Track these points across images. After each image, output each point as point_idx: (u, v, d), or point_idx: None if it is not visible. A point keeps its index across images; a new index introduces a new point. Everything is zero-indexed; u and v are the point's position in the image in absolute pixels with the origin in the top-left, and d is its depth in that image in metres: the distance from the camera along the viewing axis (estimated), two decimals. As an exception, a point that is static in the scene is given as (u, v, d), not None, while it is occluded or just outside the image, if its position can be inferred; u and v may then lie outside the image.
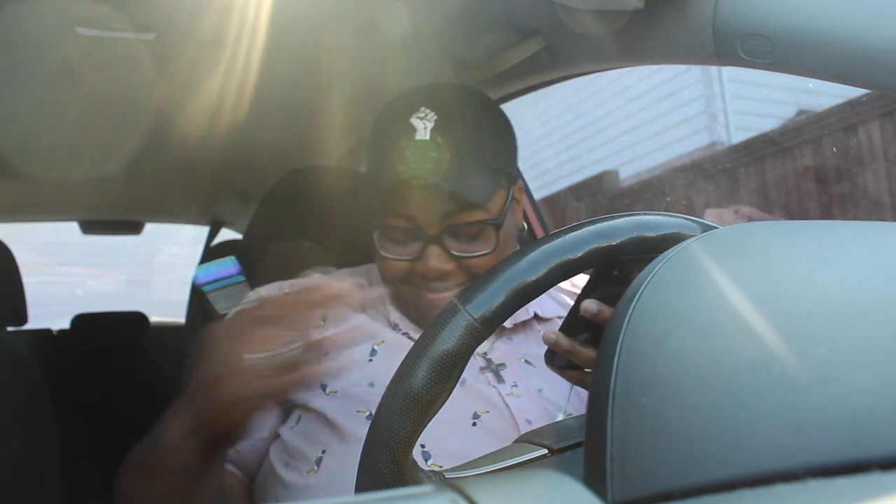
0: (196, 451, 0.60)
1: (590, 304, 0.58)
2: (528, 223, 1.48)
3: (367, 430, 0.71)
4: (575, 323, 0.62)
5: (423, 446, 0.70)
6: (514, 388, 0.78)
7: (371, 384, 0.76)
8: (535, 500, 0.28)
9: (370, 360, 0.79)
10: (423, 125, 0.77)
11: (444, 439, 0.70)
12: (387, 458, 0.44)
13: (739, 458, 0.25)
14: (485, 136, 0.81)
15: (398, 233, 0.78)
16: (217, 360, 0.58)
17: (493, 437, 0.72)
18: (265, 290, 0.88)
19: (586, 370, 0.64)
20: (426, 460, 0.70)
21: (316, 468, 0.72)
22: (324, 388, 0.76)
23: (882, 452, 0.23)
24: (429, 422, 0.45)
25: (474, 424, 0.73)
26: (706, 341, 0.29)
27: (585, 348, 0.61)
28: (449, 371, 0.44)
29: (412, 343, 0.78)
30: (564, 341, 0.61)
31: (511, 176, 0.82)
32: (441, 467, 0.69)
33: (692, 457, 0.26)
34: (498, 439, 0.72)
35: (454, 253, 0.77)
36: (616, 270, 0.59)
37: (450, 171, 0.76)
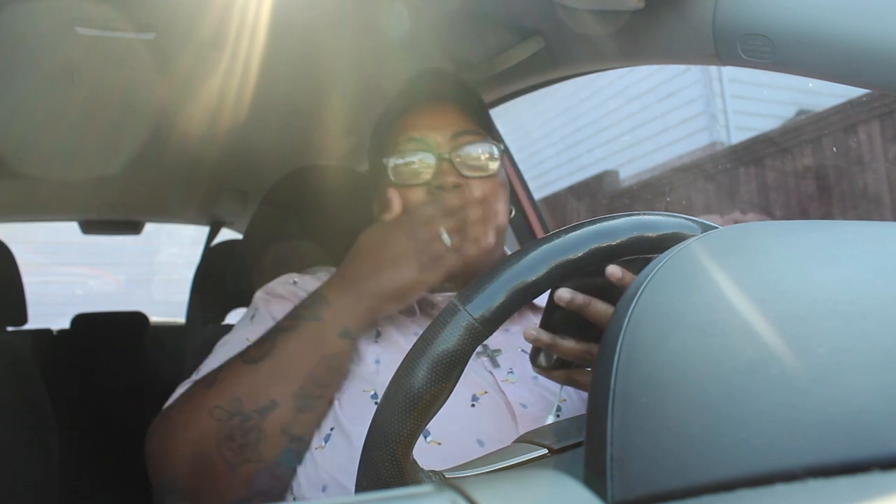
0: (360, 317, 0.74)
1: (563, 293, 0.59)
2: (527, 219, 1.48)
3: (371, 408, 0.72)
4: (553, 316, 0.62)
5: None
6: (510, 375, 0.79)
7: (377, 361, 0.78)
8: (535, 500, 0.28)
9: (376, 342, 0.81)
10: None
11: (443, 419, 0.71)
12: (387, 458, 0.44)
13: (739, 458, 0.25)
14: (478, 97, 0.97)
15: (410, 159, 0.86)
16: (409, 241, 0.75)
17: (490, 418, 0.73)
18: (276, 282, 0.91)
19: (572, 368, 0.65)
20: (425, 437, 0.70)
21: (324, 444, 0.73)
22: None
23: (882, 452, 0.23)
24: (429, 421, 0.45)
25: (473, 405, 0.75)
26: (706, 341, 0.29)
27: (566, 340, 0.61)
28: (449, 371, 0.44)
29: (416, 325, 0.80)
30: (545, 336, 0.62)
31: (497, 140, 0.91)
32: (440, 444, 0.69)
33: (692, 457, 0.26)
34: (495, 420, 0.73)
35: (464, 173, 0.84)
36: None
37: (458, 97, 0.90)
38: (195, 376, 0.81)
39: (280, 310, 0.85)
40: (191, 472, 0.69)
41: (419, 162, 0.85)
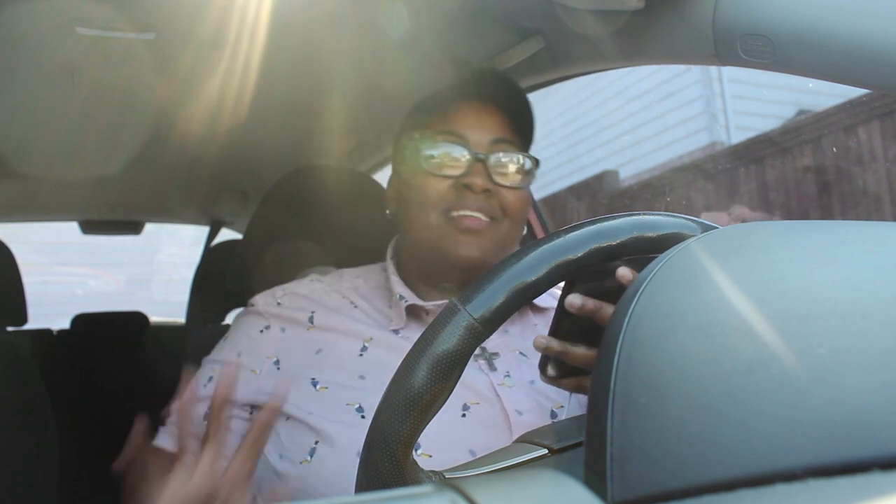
0: None
1: (574, 299, 0.59)
2: (528, 223, 1.49)
3: (356, 421, 0.72)
4: (563, 323, 0.62)
5: None
6: (507, 379, 0.78)
7: (361, 377, 0.77)
8: (535, 500, 0.28)
9: (360, 356, 0.79)
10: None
11: (433, 429, 0.70)
12: (387, 458, 0.44)
13: (739, 458, 0.25)
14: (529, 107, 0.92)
15: (446, 152, 0.83)
16: None
17: (482, 428, 0.73)
18: (260, 299, 0.89)
19: (582, 375, 0.64)
20: (416, 450, 0.70)
21: (309, 458, 0.72)
22: (314, 383, 0.77)
23: (882, 452, 0.23)
24: (429, 422, 0.45)
25: (463, 416, 0.74)
26: (706, 341, 0.29)
27: (577, 347, 0.61)
28: (449, 371, 0.44)
29: (403, 339, 0.80)
30: (555, 343, 0.61)
31: (533, 157, 0.90)
32: (431, 456, 0.69)
33: (692, 457, 0.26)
34: (487, 430, 0.72)
35: (495, 179, 0.82)
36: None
37: (507, 103, 0.87)
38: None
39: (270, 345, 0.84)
40: None
41: (454, 155, 0.83)
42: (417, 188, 0.83)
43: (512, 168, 0.84)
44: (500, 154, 0.83)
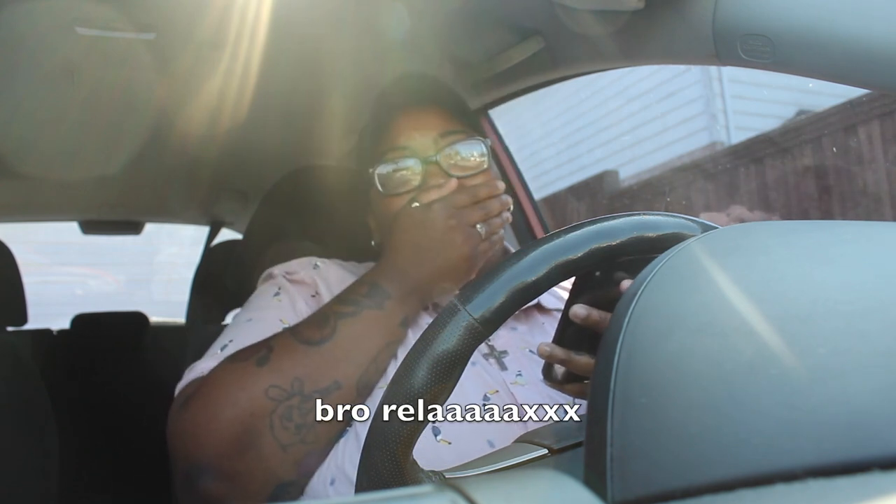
0: (413, 307, 0.77)
1: (578, 310, 0.58)
2: (527, 219, 1.49)
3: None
4: (567, 332, 0.62)
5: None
6: (519, 378, 0.78)
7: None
8: (535, 500, 0.28)
9: (395, 358, 0.80)
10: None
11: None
12: (387, 458, 0.44)
13: (739, 458, 0.25)
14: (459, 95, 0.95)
15: (396, 167, 0.84)
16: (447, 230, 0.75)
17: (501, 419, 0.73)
18: (300, 267, 0.90)
19: (585, 381, 0.64)
20: (435, 436, 0.70)
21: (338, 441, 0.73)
22: None
23: (882, 452, 0.23)
24: (428, 422, 0.45)
25: (485, 405, 0.74)
26: (706, 341, 0.29)
27: (581, 356, 0.61)
28: (449, 371, 0.44)
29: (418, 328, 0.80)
30: (559, 351, 0.61)
31: (483, 135, 0.91)
32: (450, 444, 0.69)
33: (692, 457, 0.26)
34: (505, 422, 0.72)
35: (451, 173, 0.83)
36: (599, 272, 0.59)
37: (437, 98, 0.89)
38: (220, 352, 0.78)
39: (301, 296, 0.85)
40: (235, 451, 0.67)
41: (406, 170, 0.83)
42: (388, 214, 0.84)
43: (465, 155, 0.85)
44: (448, 148, 0.84)
